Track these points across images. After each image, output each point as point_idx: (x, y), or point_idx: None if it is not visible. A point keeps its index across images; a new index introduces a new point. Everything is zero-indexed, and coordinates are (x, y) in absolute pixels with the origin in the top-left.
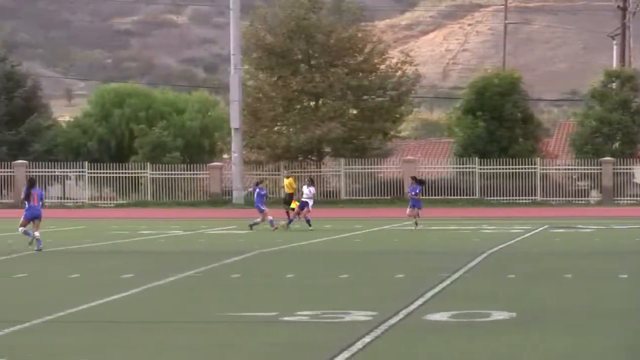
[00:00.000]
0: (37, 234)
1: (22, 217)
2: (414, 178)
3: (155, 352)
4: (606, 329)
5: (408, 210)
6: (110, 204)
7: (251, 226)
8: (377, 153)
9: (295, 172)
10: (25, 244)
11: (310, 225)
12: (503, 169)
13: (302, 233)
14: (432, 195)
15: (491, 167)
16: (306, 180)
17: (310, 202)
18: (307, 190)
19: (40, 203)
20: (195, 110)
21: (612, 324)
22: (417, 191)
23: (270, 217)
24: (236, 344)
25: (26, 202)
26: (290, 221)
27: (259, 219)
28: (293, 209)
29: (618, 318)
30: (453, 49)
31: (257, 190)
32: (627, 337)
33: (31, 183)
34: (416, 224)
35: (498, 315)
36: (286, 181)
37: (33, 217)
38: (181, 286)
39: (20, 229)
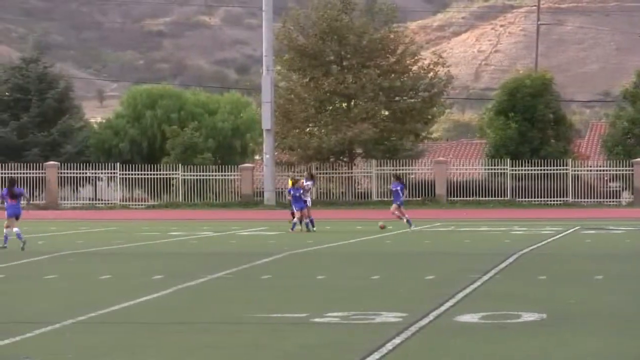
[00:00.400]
0: (16, 229)
1: (6, 216)
2: (395, 176)
3: (186, 352)
4: (636, 331)
5: (393, 207)
6: (142, 205)
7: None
8: (409, 154)
9: (326, 173)
10: (30, 244)
11: (313, 227)
12: (534, 170)
13: (332, 234)
14: (463, 197)
15: (523, 168)
16: (305, 174)
17: (308, 200)
18: (306, 185)
19: (20, 201)
20: (226, 111)
21: None
22: (399, 188)
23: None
24: (266, 345)
25: (5, 201)
26: (294, 225)
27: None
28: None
29: None
30: (485, 50)
31: (292, 191)
32: None
33: (11, 182)
34: (409, 223)
35: (528, 316)
36: (290, 183)
37: (14, 215)
38: (212, 287)
39: (9, 229)
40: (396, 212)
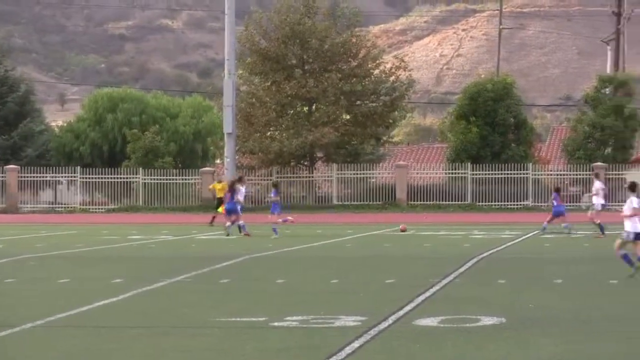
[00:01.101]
0: None
1: None
2: (274, 184)
3: (147, 356)
4: (596, 334)
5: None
6: (102, 209)
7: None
8: (370, 158)
9: (287, 177)
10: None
11: (242, 231)
12: (495, 174)
13: (293, 238)
14: (424, 201)
15: (483, 172)
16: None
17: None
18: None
19: None
20: (188, 115)
21: (603, 330)
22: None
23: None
24: (225, 349)
25: None
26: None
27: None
28: (220, 213)
29: (608, 324)
30: (447, 54)
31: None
32: (617, 343)
33: None
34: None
35: (487, 320)
36: (218, 185)
37: None
38: (171, 291)
39: None
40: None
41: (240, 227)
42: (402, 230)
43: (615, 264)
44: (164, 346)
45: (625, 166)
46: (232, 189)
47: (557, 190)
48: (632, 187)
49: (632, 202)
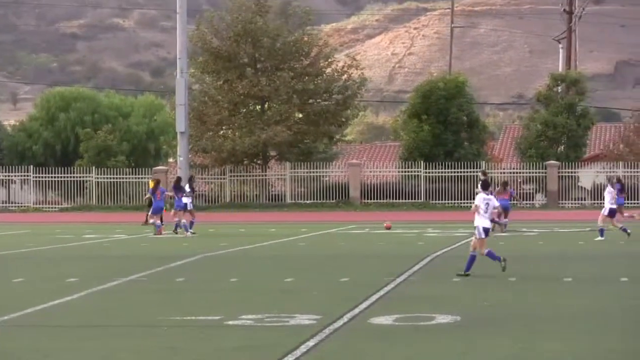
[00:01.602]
0: None
1: None
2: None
3: (101, 356)
4: (551, 332)
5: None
6: (55, 208)
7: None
8: (323, 157)
9: (240, 176)
10: None
11: (176, 232)
12: (448, 172)
13: (246, 237)
14: (377, 199)
15: (436, 170)
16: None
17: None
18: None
19: None
20: (140, 114)
21: (557, 328)
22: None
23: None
24: (181, 348)
25: None
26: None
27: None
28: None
29: (563, 321)
30: (399, 52)
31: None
32: (572, 341)
33: None
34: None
35: (442, 318)
36: (151, 184)
37: None
38: (126, 290)
39: None
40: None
41: (176, 226)
42: (387, 228)
43: (570, 261)
44: (117, 345)
45: (578, 164)
46: (174, 188)
47: (505, 184)
48: (485, 186)
49: (490, 200)
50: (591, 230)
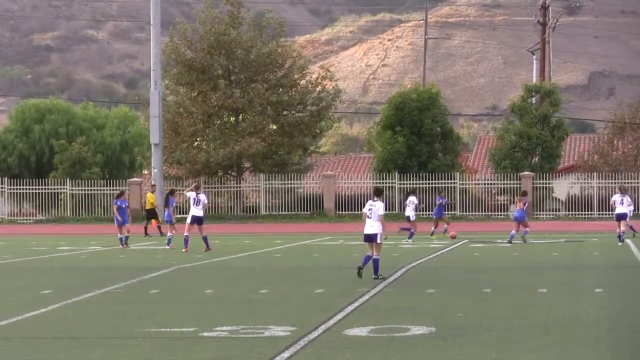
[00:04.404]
0: None
1: None
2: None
3: None
4: (525, 343)
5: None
6: (30, 220)
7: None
8: (297, 168)
9: (215, 188)
10: None
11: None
12: (422, 183)
13: (221, 249)
14: (351, 210)
15: (410, 182)
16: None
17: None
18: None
19: None
20: (115, 125)
21: (531, 339)
22: (124, 205)
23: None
24: None
25: None
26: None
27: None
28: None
29: (536, 332)
30: (373, 64)
31: (118, 202)
32: (546, 352)
33: None
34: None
35: (417, 330)
36: (151, 197)
37: None
38: (101, 302)
39: None
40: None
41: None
42: (453, 237)
43: (545, 272)
44: (92, 357)
45: (552, 175)
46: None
47: (524, 194)
48: (377, 192)
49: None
50: (566, 241)
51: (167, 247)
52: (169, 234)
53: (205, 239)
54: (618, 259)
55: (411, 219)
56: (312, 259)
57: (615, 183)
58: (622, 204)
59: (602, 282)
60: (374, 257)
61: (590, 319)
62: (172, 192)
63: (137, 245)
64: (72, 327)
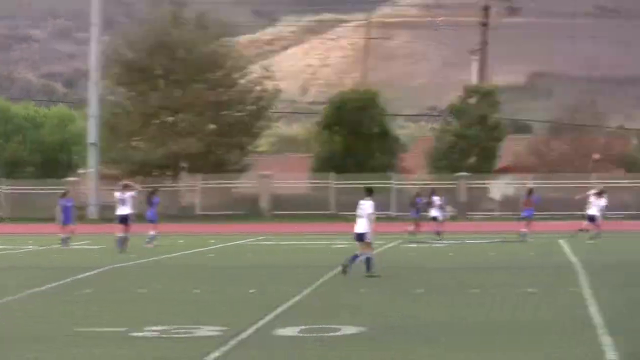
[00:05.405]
0: None
1: None
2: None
3: None
4: (457, 342)
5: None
6: None
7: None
8: (235, 168)
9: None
10: None
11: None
12: (359, 183)
13: (156, 248)
14: (287, 210)
15: (347, 182)
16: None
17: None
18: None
19: None
20: (53, 125)
21: (464, 338)
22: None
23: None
24: None
25: None
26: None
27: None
28: None
29: (470, 332)
30: (313, 64)
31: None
32: (478, 352)
33: None
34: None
35: (348, 329)
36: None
37: None
38: (33, 302)
39: None
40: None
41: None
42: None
43: (477, 273)
44: (19, 357)
45: (488, 175)
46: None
47: (418, 195)
48: (368, 191)
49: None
50: (502, 241)
51: (149, 245)
52: (151, 232)
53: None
54: (552, 259)
55: (439, 218)
56: (246, 259)
57: (551, 184)
58: (596, 205)
59: (535, 282)
60: (365, 255)
61: (523, 320)
62: (155, 191)
63: (73, 244)
64: (2, 327)
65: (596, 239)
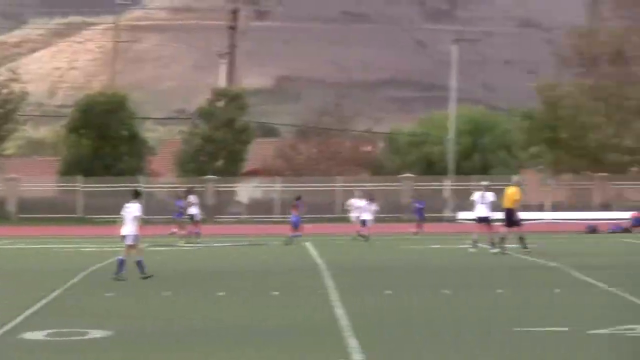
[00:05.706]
0: None
1: None
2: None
3: None
4: (210, 346)
5: None
6: None
7: None
8: None
9: None
10: None
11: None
12: (107, 187)
13: None
14: (35, 214)
15: (95, 185)
16: None
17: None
18: None
19: None
20: None
21: (207, 341)
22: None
23: None
24: None
25: None
26: None
27: None
28: None
29: (212, 334)
30: (61, 67)
31: None
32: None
33: None
34: None
35: (95, 333)
36: None
37: None
38: None
39: None
40: None
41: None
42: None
43: (224, 276)
44: None
45: (236, 179)
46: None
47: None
48: (134, 195)
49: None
50: (249, 244)
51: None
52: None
53: None
54: (298, 262)
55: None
56: None
57: (297, 187)
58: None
59: (279, 285)
60: (137, 258)
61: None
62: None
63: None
64: None
65: (290, 244)
